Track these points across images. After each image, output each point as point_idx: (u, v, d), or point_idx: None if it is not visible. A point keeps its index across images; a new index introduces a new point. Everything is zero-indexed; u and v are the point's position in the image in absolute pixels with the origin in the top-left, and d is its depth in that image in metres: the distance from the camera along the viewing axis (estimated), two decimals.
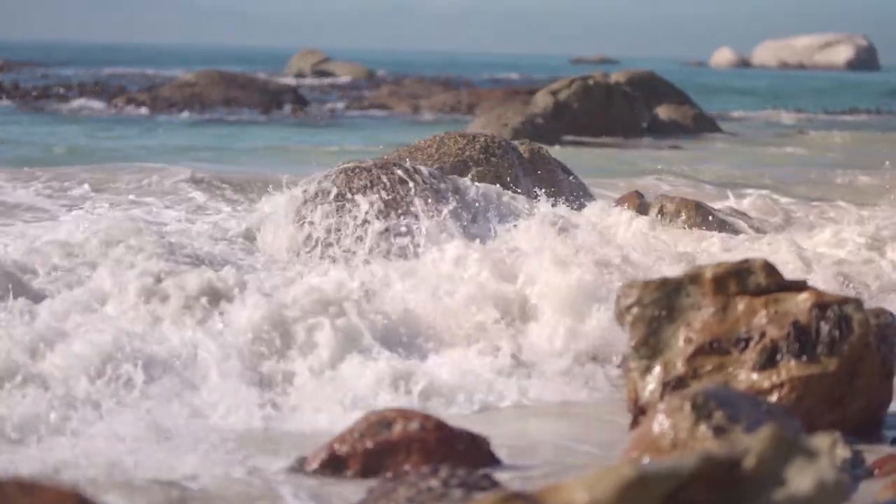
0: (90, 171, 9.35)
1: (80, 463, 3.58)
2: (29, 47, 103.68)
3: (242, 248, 6.62)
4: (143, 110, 22.64)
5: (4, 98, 25.50)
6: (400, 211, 6.55)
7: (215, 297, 5.10)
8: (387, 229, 6.44)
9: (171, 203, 8.09)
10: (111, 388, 4.24)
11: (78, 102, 24.51)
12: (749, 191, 10.52)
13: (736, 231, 7.54)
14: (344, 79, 41.76)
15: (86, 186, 8.61)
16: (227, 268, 5.52)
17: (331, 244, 6.45)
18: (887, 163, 11.98)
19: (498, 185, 7.29)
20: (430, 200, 6.61)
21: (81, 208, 7.23)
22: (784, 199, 9.90)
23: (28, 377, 4.23)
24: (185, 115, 22.01)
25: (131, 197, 8.28)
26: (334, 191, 6.63)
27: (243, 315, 4.82)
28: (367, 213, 6.47)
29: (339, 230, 6.48)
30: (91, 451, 3.67)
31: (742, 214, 8.05)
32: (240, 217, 7.31)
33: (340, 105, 26.82)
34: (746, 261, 3.90)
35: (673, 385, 3.76)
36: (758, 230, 7.57)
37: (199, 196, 8.41)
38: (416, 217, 6.49)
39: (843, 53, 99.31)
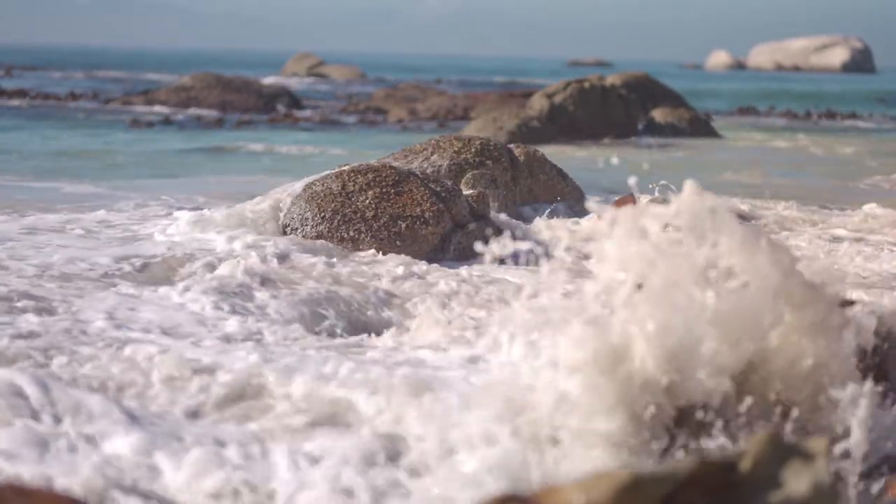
0: None
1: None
2: (27, 50, 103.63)
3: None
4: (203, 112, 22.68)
5: (24, 100, 25.65)
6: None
7: None
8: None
9: None
10: None
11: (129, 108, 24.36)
12: (745, 192, 10.53)
13: None
14: (339, 82, 41.82)
15: None
16: None
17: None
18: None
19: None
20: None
21: None
22: (783, 203, 9.91)
23: None
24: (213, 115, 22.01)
25: None
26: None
27: None
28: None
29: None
30: None
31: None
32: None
33: (336, 108, 26.83)
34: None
35: None
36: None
37: None
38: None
39: (838, 56, 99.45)
